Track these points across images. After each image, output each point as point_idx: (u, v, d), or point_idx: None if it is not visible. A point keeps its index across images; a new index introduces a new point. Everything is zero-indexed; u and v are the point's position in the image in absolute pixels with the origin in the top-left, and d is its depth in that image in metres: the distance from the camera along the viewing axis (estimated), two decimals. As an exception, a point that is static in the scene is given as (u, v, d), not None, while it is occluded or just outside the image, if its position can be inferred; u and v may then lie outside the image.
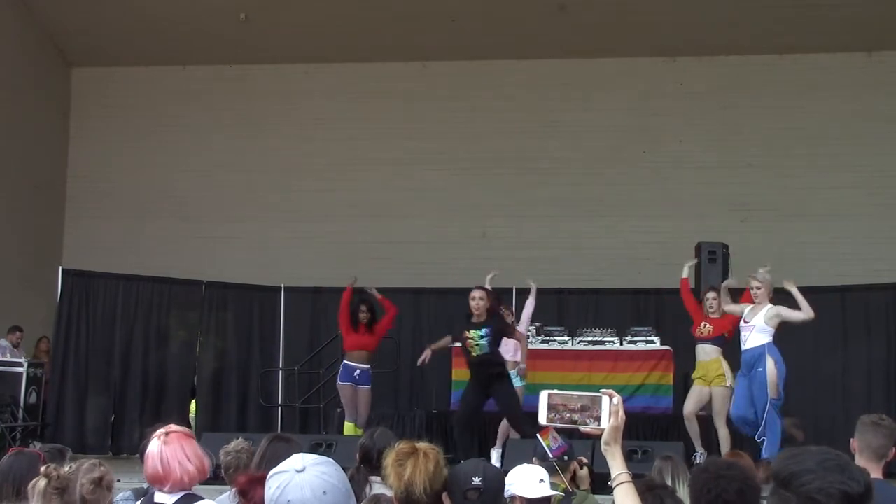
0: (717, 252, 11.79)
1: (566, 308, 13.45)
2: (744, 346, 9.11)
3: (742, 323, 9.17)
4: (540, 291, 13.73)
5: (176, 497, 3.57)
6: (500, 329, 9.45)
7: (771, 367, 8.90)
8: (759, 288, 9.15)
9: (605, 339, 11.83)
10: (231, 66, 16.03)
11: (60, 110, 16.41)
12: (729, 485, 3.05)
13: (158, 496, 3.61)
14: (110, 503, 3.63)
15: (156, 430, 3.96)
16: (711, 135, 15.07)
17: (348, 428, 10.78)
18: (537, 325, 11.98)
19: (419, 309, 13.84)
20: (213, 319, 13.81)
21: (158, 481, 3.58)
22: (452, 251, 15.00)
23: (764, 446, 8.82)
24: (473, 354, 9.33)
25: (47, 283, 13.45)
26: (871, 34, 14.38)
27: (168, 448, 3.57)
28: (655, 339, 11.77)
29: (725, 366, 9.79)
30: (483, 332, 9.25)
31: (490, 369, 9.34)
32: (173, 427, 3.68)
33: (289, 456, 2.45)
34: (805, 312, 9.03)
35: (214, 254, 15.19)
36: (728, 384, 9.65)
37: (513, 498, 4.11)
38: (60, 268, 13.34)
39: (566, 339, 11.93)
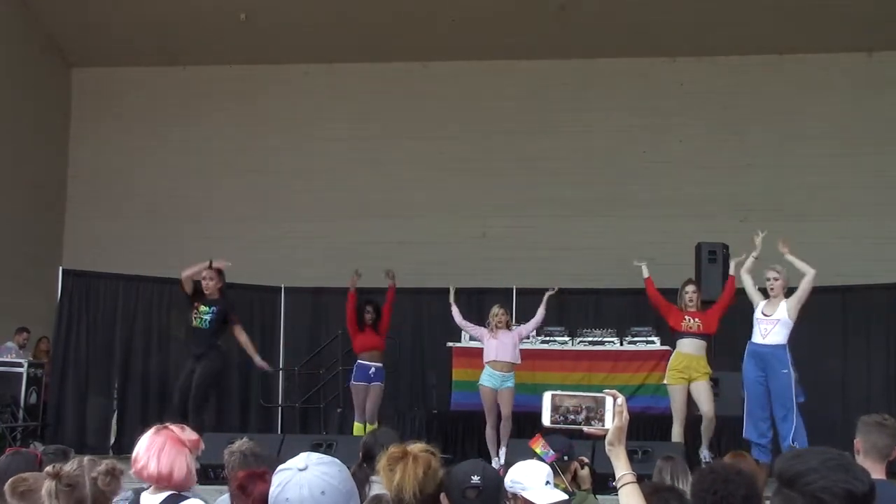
0: (717, 252, 11.80)
1: (566, 308, 13.43)
2: (761, 340, 8.96)
3: (760, 315, 9.02)
4: (540, 291, 13.76)
5: (162, 497, 3.59)
6: (227, 311, 10.48)
7: (791, 368, 8.90)
8: (776, 279, 9.01)
9: (606, 339, 11.84)
10: (231, 66, 16.03)
11: (60, 110, 16.41)
12: (737, 490, 3.05)
13: (144, 497, 3.65)
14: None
15: (148, 429, 3.99)
16: (711, 135, 15.06)
17: (358, 429, 10.76)
18: (537, 325, 11.98)
19: (419, 309, 13.84)
20: (214, 319, 13.79)
21: (132, 463, 3.68)
22: (452, 251, 15.00)
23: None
24: (194, 325, 10.35)
25: (47, 283, 13.44)
26: (871, 34, 14.37)
27: (152, 439, 3.64)
28: (655, 339, 11.76)
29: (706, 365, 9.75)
30: (211, 309, 10.26)
31: (202, 344, 10.30)
32: (172, 427, 3.72)
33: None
34: (809, 274, 8.95)
35: (214, 254, 15.11)
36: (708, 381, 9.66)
37: (515, 496, 4.04)
38: (60, 268, 13.34)
39: (566, 339, 11.93)
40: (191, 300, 10.40)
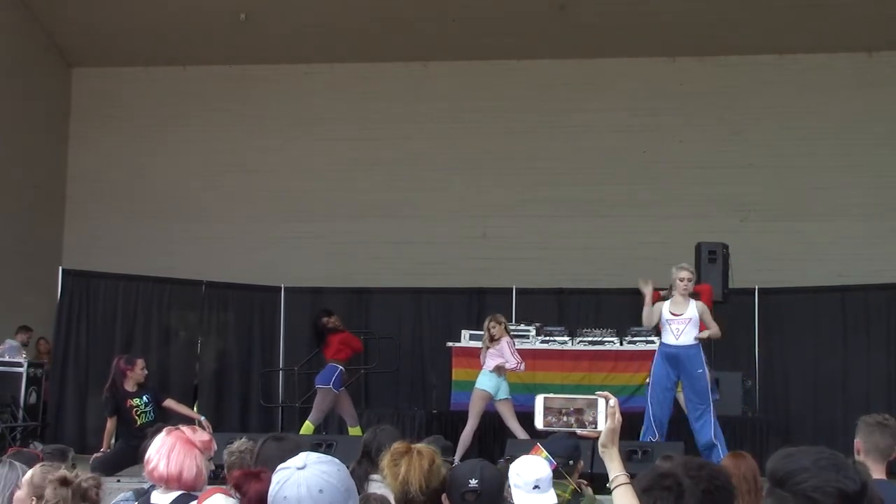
0: (717, 252, 11.80)
1: (566, 308, 13.45)
2: (674, 341, 8.83)
3: (670, 315, 8.86)
4: (540, 291, 13.77)
5: (172, 497, 3.63)
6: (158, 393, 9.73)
7: (705, 367, 8.86)
8: (690, 280, 8.91)
9: (606, 339, 11.82)
10: (231, 66, 16.03)
11: (60, 111, 16.41)
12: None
13: (155, 496, 3.68)
14: None
15: (157, 430, 4.04)
16: (711, 135, 15.05)
17: (308, 428, 10.73)
18: (537, 325, 11.98)
19: (419, 309, 13.85)
20: (214, 319, 13.81)
21: (144, 464, 3.78)
22: (452, 251, 15.00)
23: (714, 453, 8.47)
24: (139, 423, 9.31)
25: (47, 283, 13.45)
26: (871, 34, 14.37)
27: (163, 440, 3.70)
28: (656, 339, 11.69)
29: None
30: (145, 398, 9.48)
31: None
32: (183, 427, 3.78)
33: (281, 455, 2.47)
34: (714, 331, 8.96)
35: (214, 254, 15.19)
36: None
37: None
38: (60, 268, 13.34)
39: (566, 339, 11.91)
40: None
